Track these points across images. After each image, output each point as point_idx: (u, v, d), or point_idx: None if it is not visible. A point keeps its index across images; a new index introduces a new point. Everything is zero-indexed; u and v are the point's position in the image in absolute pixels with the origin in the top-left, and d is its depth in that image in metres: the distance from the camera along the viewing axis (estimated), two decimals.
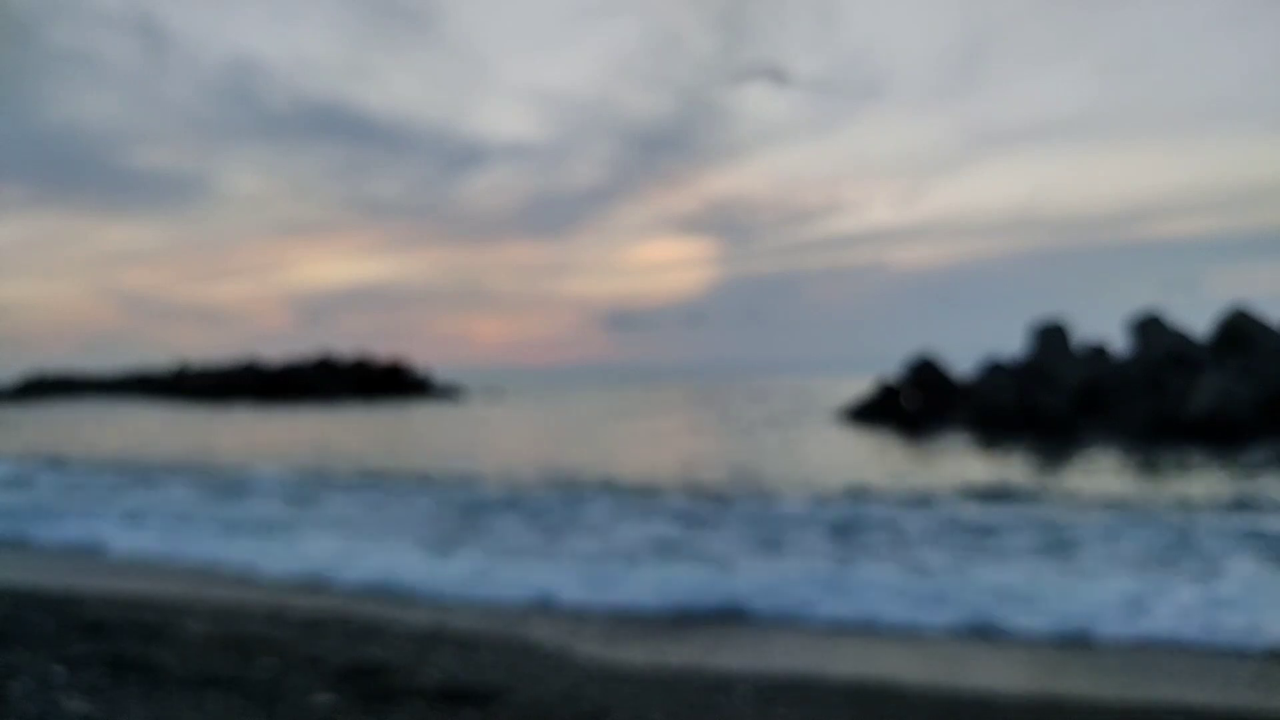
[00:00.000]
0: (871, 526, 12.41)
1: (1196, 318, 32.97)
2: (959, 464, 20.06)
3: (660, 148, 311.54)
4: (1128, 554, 10.37)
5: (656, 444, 26.55)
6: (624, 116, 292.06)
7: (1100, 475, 17.86)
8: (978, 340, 38.83)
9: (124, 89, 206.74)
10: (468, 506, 14.56)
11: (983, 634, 7.67)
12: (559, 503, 14.42)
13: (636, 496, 15.25)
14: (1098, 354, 32.29)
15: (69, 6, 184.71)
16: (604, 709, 5.34)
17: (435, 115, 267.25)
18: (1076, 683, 6.40)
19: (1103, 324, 65.56)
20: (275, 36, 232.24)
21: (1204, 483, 16.14)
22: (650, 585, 9.15)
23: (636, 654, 7.20)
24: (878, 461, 20.84)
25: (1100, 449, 22.28)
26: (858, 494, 15.22)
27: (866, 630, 7.86)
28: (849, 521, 12.63)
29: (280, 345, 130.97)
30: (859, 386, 42.99)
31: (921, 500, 14.62)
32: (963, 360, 34.96)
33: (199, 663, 5.78)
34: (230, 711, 4.65)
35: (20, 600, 8.04)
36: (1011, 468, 19.53)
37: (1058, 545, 10.92)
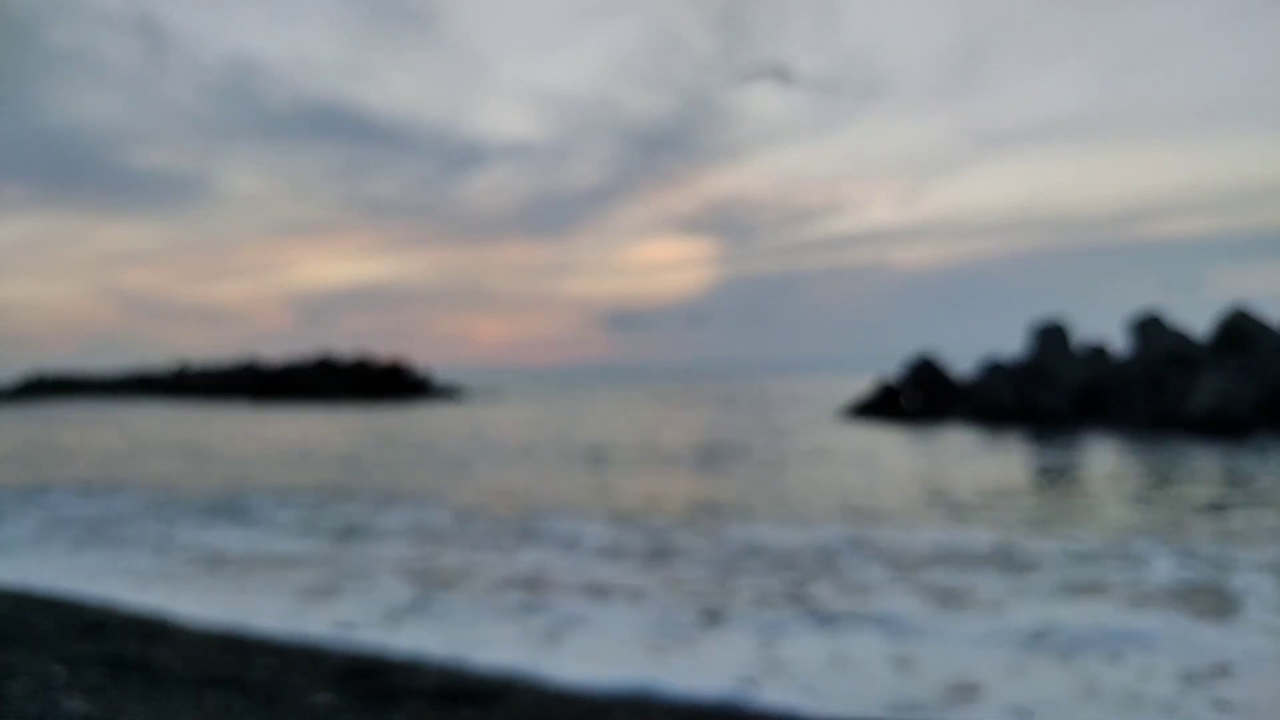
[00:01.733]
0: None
1: (1196, 318, 33.01)
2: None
3: (660, 148, 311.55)
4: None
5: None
6: (624, 116, 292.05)
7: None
8: (978, 340, 38.90)
9: (124, 89, 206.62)
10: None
11: None
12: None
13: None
14: (1098, 354, 32.30)
15: (69, 6, 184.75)
16: (604, 709, 5.34)
17: (435, 115, 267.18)
18: None
19: (1103, 324, 65.62)
20: (275, 36, 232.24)
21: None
22: None
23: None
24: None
25: (1100, 444, 22.26)
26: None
27: None
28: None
29: (280, 345, 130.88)
30: (859, 386, 42.97)
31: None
32: (963, 360, 35.00)
33: (199, 663, 5.78)
34: (230, 711, 4.65)
35: (20, 600, 8.04)
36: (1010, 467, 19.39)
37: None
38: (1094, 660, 6.54)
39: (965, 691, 5.90)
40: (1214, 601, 8.15)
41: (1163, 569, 9.40)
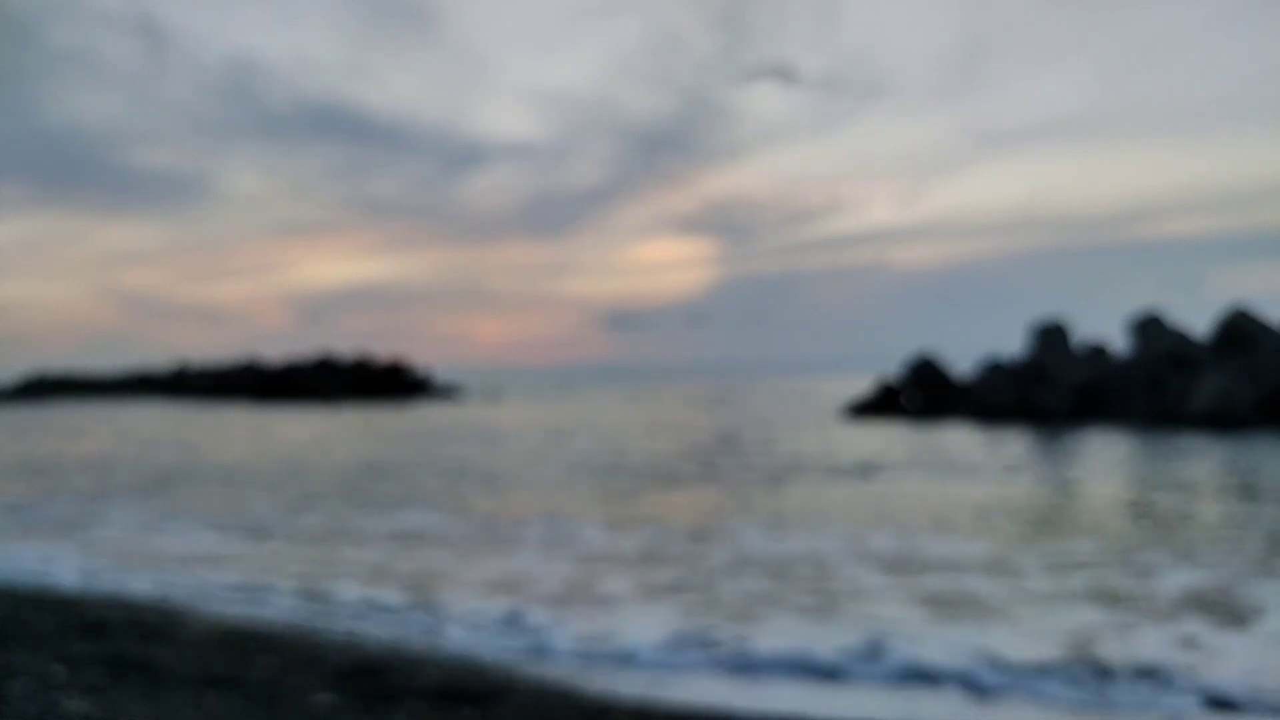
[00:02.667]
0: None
1: (1196, 318, 33.01)
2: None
3: (661, 147, 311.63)
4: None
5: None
6: (624, 116, 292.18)
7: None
8: (978, 340, 38.91)
9: (124, 89, 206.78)
10: None
11: None
12: None
13: None
14: (1098, 354, 32.31)
15: (69, 6, 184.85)
16: (605, 709, 5.33)
17: (435, 115, 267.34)
18: None
19: (1103, 324, 65.56)
20: (275, 36, 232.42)
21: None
22: None
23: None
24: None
25: (1101, 445, 22.22)
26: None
27: None
28: None
29: (280, 345, 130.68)
30: (860, 386, 42.95)
31: None
32: (963, 360, 35.02)
33: (199, 663, 5.77)
34: (230, 711, 4.64)
35: (20, 600, 8.03)
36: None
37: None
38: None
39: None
40: (1229, 611, 7.99)
41: (1172, 578, 9.18)
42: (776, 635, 7.22)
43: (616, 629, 7.46)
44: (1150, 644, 6.95)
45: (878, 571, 9.53)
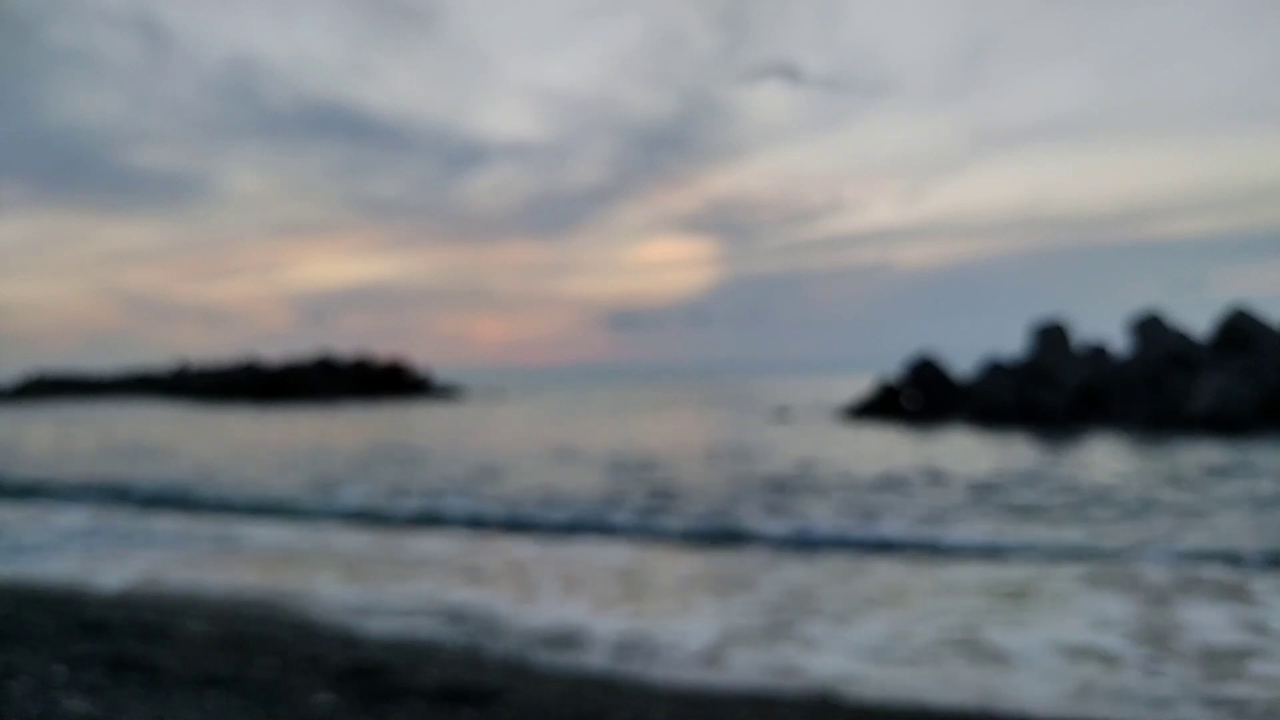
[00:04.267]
0: None
1: (1197, 318, 33.07)
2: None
3: (662, 147, 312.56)
4: None
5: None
6: (625, 116, 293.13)
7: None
8: (978, 340, 38.92)
9: (124, 89, 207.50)
10: None
11: None
12: None
13: None
14: (1098, 354, 32.32)
15: (69, 6, 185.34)
16: (605, 709, 5.33)
17: (435, 115, 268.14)
18: None
19: (1103, 324, 65.60)
20: (275, 36, 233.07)
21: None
22: None
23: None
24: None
25: (1101, 445, 22.23)
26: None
27: None
28: None
29: (280, 345, 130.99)
30: (860, 386, 42.94)
31: None
32: (963, 360, 35.05)
33: (199, 663, 5.77)
34: (230, 711, 4.65)
35: (20, 600, 8.04)
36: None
37: None
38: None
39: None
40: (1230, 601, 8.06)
41: (1163, 573, 9.32)
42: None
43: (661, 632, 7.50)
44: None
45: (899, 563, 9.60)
